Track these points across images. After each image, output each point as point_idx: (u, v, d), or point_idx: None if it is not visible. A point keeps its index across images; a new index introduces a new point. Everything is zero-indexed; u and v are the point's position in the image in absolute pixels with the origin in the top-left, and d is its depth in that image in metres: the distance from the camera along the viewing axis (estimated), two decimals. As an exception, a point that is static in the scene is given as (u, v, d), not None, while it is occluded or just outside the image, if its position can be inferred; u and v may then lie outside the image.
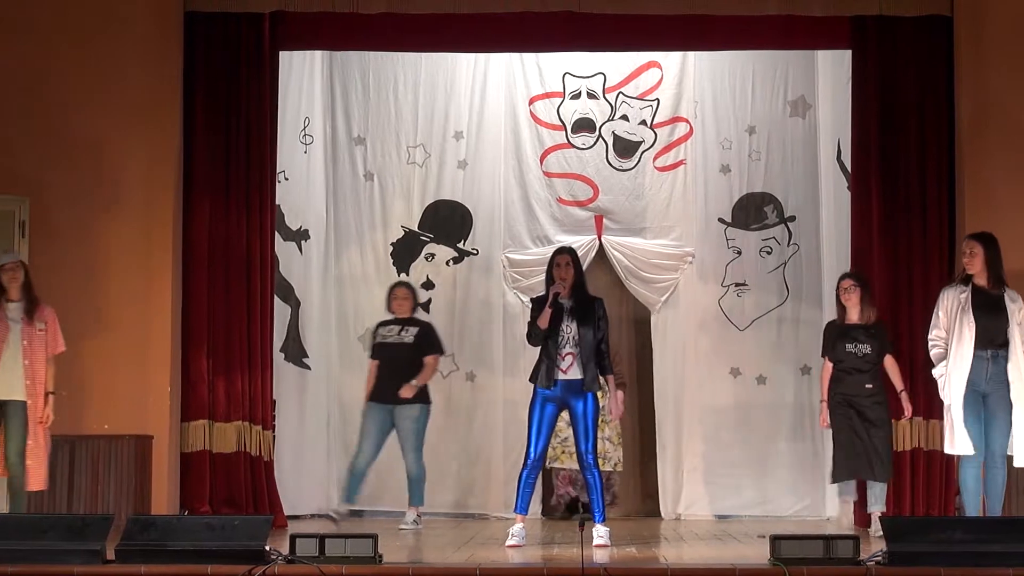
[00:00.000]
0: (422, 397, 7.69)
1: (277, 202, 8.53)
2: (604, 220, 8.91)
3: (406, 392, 7.62)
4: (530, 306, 6.91)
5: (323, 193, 8.96)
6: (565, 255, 6.72)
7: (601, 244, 8.89)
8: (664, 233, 8.92)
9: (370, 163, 9.02)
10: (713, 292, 8.88)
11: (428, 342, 7.76)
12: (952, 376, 6.69)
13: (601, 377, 6.63)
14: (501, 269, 8.94)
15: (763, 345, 8.83)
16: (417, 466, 7.64)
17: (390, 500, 8.65)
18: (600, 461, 7.03)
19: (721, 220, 8.92)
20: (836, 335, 7.33)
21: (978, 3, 7.88)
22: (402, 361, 7.64)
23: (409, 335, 7.70)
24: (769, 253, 8.91)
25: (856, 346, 7.26)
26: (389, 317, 7.90)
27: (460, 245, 9.01)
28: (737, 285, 8.89)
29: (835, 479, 7.40)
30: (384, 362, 7.70)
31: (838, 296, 7.46)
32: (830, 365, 7.34)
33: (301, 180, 8.89)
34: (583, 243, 8.76)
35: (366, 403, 7.74)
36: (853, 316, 7.37)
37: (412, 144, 9.02)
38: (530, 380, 6.67)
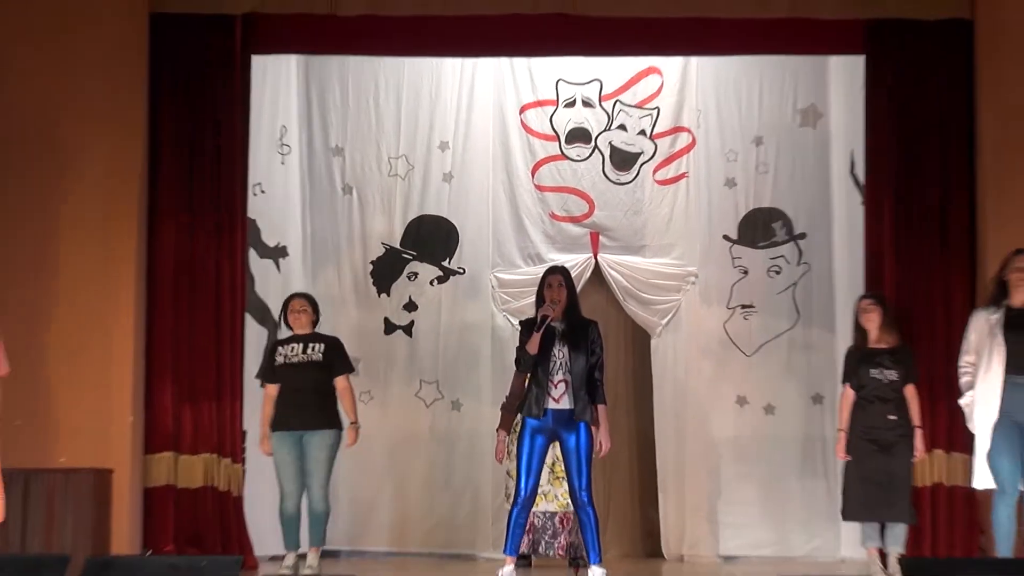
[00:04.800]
0: (333, 421, 7.40)
1: (253, 217, 8.64)
2: (600, 237, 8.92)
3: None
4: (519, 329, 6.87)
5: (300, 208, 8.96)
6: (557, 275, 6.71)
7: (597, 263, 8.88)
8: (665, 251, 8.92)
9: (348, 175, 9.01)
10: (718, 315, 8.87)
11: (340, 359, 7.47)
12: (979, 404, 6.65)
13: (592, 407, 6.58)
14: (489, 290, 8.92)
15: (772, 372, 8.83)
16: (323, 502, 7.31)
17: (370, 539, 8.67)
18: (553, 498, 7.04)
19: (726, 237, 8.92)
20: (859, 360, 7.30)
21: (1000, 6, 7.93)
22: (310, 383, 7.35)
23: (317, 352, 7.39)
24: (778, 273, 8.91)
25: (882, 372, 7.24)
26: (286, 335, 7.66)
27: (445, 264, 9.00)
28: (743, 307, 8.89)
29: (847, 517, 7.37)
30: (288, 385, 7.37)
31: (857, 318, 7.44)
32: (851, 393, 7.31)
33: (278, 193, 8.91)
34: (577, 262, 8.77)
35: (269, 434, 7.41)
36: (874, 339, 7.35)
37: (394, 155, 9.02)
38: (517, 410, 6.64)
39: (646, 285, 8.88)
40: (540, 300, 6.69)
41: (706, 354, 8.86)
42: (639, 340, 9.03)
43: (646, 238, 8.93)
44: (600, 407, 6.61)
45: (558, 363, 6.56)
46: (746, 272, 8.91)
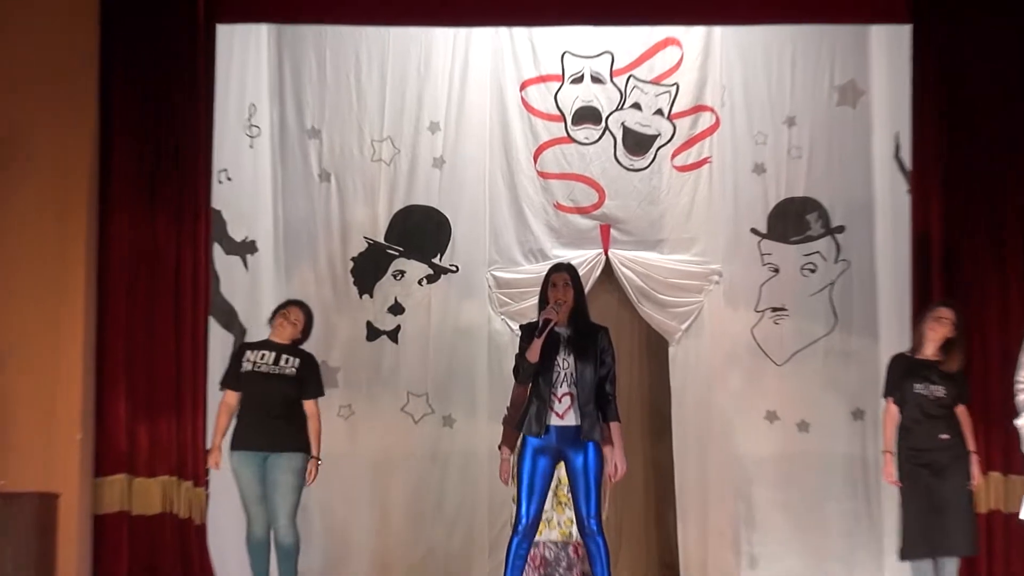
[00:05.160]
0: (302, 443, 7.33)
1: (218, 207, 8.65)
2: (611, 231, 8.93)
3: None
4: (519, 335, 6.83)
5: (271, 197, 8.97)
6: (563, 273, 6.66)
7: (608, 260, 8.88)
8: (685, 247, 8.92)
9: (326, 160, 8.99)
10: (745, 319, 8.88)
11: (312, 380, 7.44)
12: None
13: (603, 425, 6.55)
14: (486, 290, 8.93)
15: (806, 384, 8.83)
16: (291, 533, 7.24)
17: (349, 574, 8.64)
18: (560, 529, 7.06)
19: (754, 231, 8.93)
20: (904, 371, 7.28)
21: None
22: (278, 398, 7.30)
23: (290, 366, 7.37)
24: (812, 271, 8.91)
25: (927, 387, 7.20)
26: (259, 339, 7.66)
27: (436, 261, 8.99)
28: (774, 310, 8.89)
29: (906, 556, 7.21)
30: (252, 397, 7.32)
31: (922, 324, 7.37)
32: (894, 408, 7.27)
33: (246, 180, 8.91)
34: (586, 259, 8.78)
35: (222, 448, 7.36)
36: (929, 351, 7.30)
37: (377, 138, 9.01)
38: (516, 427, 6.62)
39: (663, 285, 8.86)
40: (543, 302, 6.63)
41: (731, 363, 8.86)
42: (655, 347, 9.03)
43: (663, 232, 8.94)
44: (613, 425, 6.56)
45: (562, 374, 6.51)
46: (777, 270, 8.92)
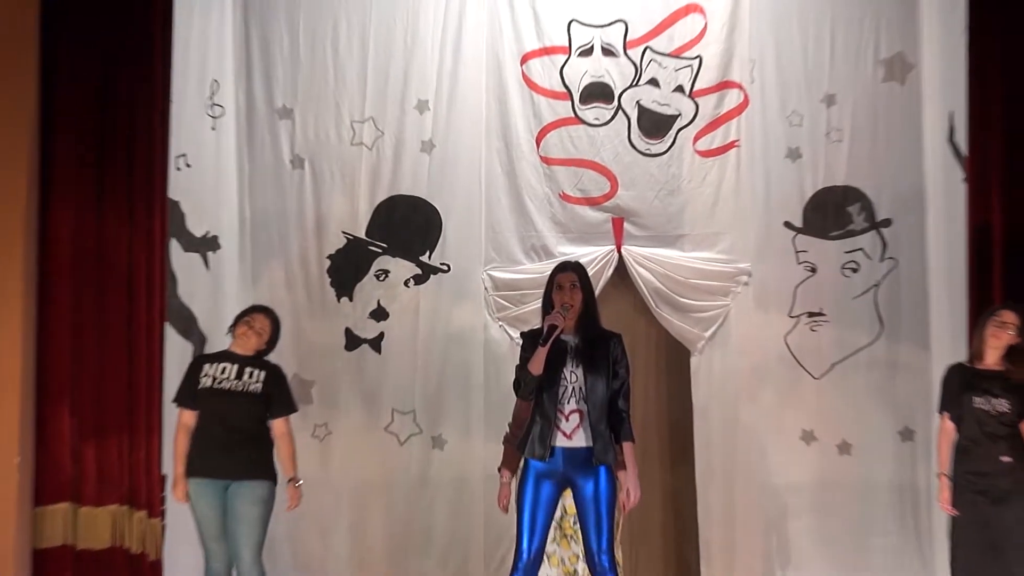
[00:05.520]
0: (268, 469, 7.32)
1: (176, 198, 8.64)
2: (625, 225, 8.92)
3: None
4: (520, 343, 6.83)
5: (237, 188, 8.96)
6: (569, 273, 6.67)
7: (621, 258, 8.88)
8: (709, 243, 8.92)
9: (299, 144, 9.01)
10: (777, 325, 8.89)
11: (281, 395, 7.43)
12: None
13: (615, 446, 6.56)
14: (482, 292, 8.94)
15: (847, 399, 8.84)
16: (256, 571, 7.20)
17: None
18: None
19: (788, 225, 8.93)
20: (961, 383, 7.31)
21: None
22: (242, 419, 7.29)
23: (255, 381, 7.36)
24: (855, 271, 8.92)
25: (988, 400, 7.22)
26: (218, 350, 7.66)
27: (425, 259, 8.99)
28: (811, 316, 8.89)
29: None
30: (213, 418, 7.29)
31: (982, 330, 7.37)
32: (950, 426, 7.31)
33: (208, 167, 8.89)
34: (596, 257, 8.78)
35: (184, 481, 7.30)
36: (991, 360, 7.30)
37: (358, 118, 9.02)
38: (517, 448, 6.59)
39: (684, 287, 8.85)
40: (547, 306, 6.64)
41: (762, 376, 8.88)
42: (675, 358, 9.03)
43: (684, 226, 8.94)
44: (626, 446, 6.55)
45: (570, 388, 6.52)
46: (814, 270, 8.92)
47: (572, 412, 6.51)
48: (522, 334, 6.89)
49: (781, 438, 8.82)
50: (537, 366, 6.46)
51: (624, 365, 6.60)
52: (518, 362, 6.65)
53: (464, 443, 8.85)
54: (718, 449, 8.80)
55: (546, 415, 6.49)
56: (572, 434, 6.50)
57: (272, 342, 7.59)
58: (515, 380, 6.63)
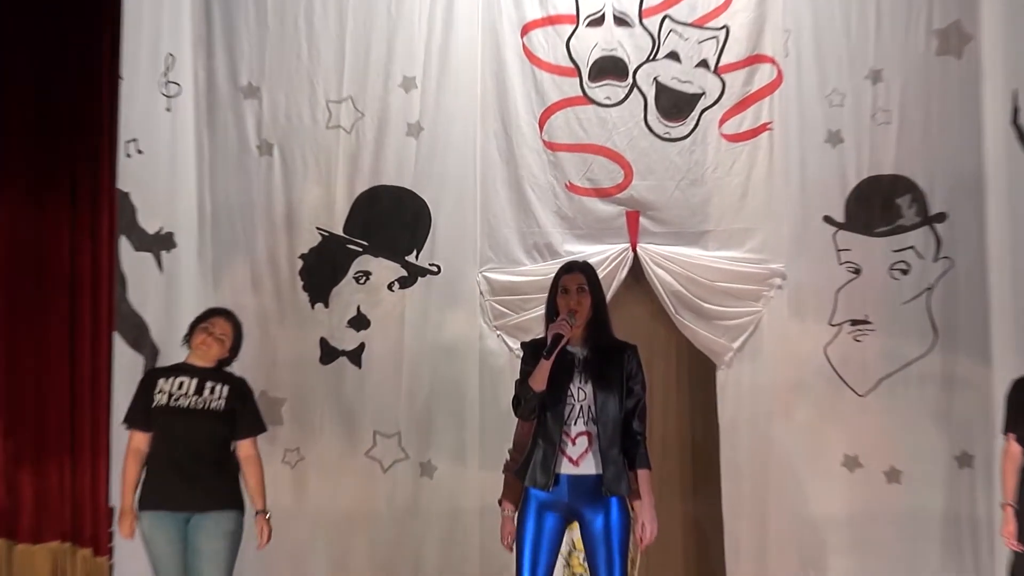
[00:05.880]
0: (235, 498, 7.27)
1: (126, 189, 8.63)
2: (642, 219, 8.92)
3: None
4: (520, 356, 6.76)
5: (196, 177, 8.93)
6: (576, 274, 6.60)
7: (637, 257, 8.88)
8: (737, 240, 8.93)
9: (267, 127, 9.04)
10: (816, 335, 8.88)
11: (247, 413, 7.36)
12: None
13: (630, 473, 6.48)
14: (477, 298, 8.95)
15: (896, 420, 8.83)
16: None
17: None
18: None
19: (829, 220, 8.91)
20: None
21: None
22: (203, 442, 7.20)
23: (218, 398, 7.29)
24: (905, 272, 8.90)
25: (1060, 419, 7.22)
26: (174, 362, 7.58)
27: (411, 259, 8.99)
28: (855, 324, 8.86)
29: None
30: (170, 441, 7.20)
31: None
32: (1016, 448, 7.31)
33: (162, 154, 8.85)
34: (607, 256, 8.79)
35: (132, 514, 7.21)
36: (1063, 372, 7.32)
37: (335, 98, 9.04)
38: (516, 474, 6.53)
39: (709, 291, 8.85)
40: (551, 312, 6.55)
41: (799, 393, 8.86)
42: (698, 373, 9.05)
43: (709, 220, 8.95)
44: (642, 473, 6.46)
45: (577, 407, 6.43)
46: (858, 271, 8.90)
47: (580, 435, 6.41)
48: (523, 345, 6.80)
49: (820, 464, 8.80)
50: (540, 382, 6.36)
51: (640, 381, 6.52)
52: (519, 377, 6.57)
53: (457, 470, 8.87)
54: (748, 476, 8.79)
55: (550, 438, 6.40)
56: (579, 460, 6.40)
57: (235, 350, 7.53)
58: (514, 397, 6.53)
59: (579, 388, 6.47)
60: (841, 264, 8.88)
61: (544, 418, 6.43)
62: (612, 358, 6.53)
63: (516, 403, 6.52)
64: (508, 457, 6.87)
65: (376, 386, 8.91)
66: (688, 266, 8.84)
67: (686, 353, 9.02)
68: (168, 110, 8.88)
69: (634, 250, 8.86)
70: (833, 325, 8.87)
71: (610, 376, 6.47)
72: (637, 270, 8.86)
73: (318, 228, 8.99)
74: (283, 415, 8.77)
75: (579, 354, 6.52)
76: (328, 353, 8.95)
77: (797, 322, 8.86)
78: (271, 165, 9.01)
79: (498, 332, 8.89)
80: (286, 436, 8.74)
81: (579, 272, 6.63)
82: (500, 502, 6.78)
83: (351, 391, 8.92)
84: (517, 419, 6.60)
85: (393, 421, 8.87)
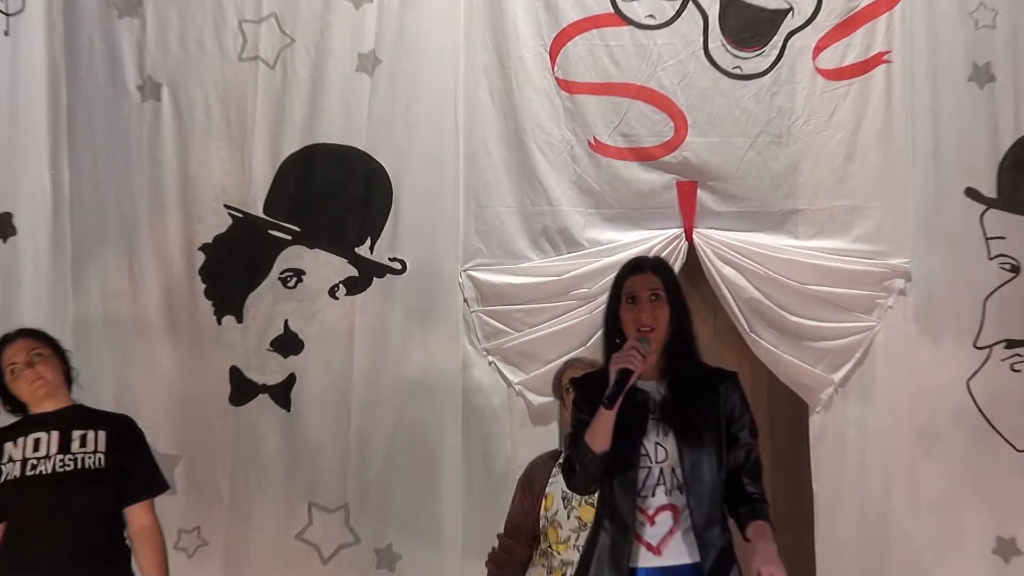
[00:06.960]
0: None
1: None
2: (700, 193, 9.03)
3: None
4: (573, 396, 6.59)
5: (48, 132, 9.09)
6: (648, 276, 6.46)
7: (692, 247, 9.01)
8: (841, 225, 9.07)
9: (153, 58, 9.20)
10: (955, 362, 9.02)
11: (137, 465, 7.38)
12: None
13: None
14: (459, 307, 9.10)
15: None
16: None
17: None
18: None
19: (973, 194, 8.97)
20: None
21: None
22: (79, 515, 7.21)
23: (93, 450, 7.33)
24: (1086, 270, 8.88)
25: None
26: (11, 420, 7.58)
27: (364, 252, 9.05)
28: (1011, 346, 8.90)
29: None
30: (31, 525, 7.23)
31: None
32: None
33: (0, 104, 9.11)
34: (652, 245, 8.87)
35: None
36: None
37: (251, 16, 9.21)
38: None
39: (799, 297, 9.00)
40: (613, 335, 6.42)
41: (929, 446, 8.99)
42: (783, 414, 9.31)
43: (799, 196, 9.06)
44: (757, 524, 6.30)
45: (656, 471, 6.31)
46: (1016, 269, 9.06)
47: (661, 510, 6.28)
48: (573, 383, 6.67)
49: (963, 548, 8.94)
50: (602, 439, 6.18)
51: (747, 423, 6.38)
52: (570, 431, 6.46)
53: (430, 560, 9.01)
54: (854, 560, 8.96)
55: (619, 518, 6.27)
56: (662, 546, 6.27)
57: (68, 363, 7.57)
58: (565, 460, 6.42)
59: (656, 444, 6.32)
60: (992, 259, 9.01)
61: (609, 489, 6.31)
62: (703, 396, 6.40)
63: (569, 469, 6.36)
64: (498, 543, 6.94)
65: (313, 437, 9.02)
66: (768, 262, 8.95)
67: (765, 388, 9.21)
68: (6, 34, 9.01)
69: (689, 238, 8.98)
70: (980, 348, 8.99)
71: (702, 421, 6.34)
72: (694, 266, 8.96)
73: (227, 207, 9.10)
74: (175, 480, 8.72)
75: (654, 393, 6.37)
76: (242, 389, 9.06)
77: (927, 344, 8.98)
78: (158, 114, 9.14)
79: (490, 358, 8.98)
80: (180, 511, 8.81)
81: (651, 272, 6.47)
82: None
83: (276, 444, 9.03)
84: (570, 490, 6.56)
85: (338, 489, 8.97)
